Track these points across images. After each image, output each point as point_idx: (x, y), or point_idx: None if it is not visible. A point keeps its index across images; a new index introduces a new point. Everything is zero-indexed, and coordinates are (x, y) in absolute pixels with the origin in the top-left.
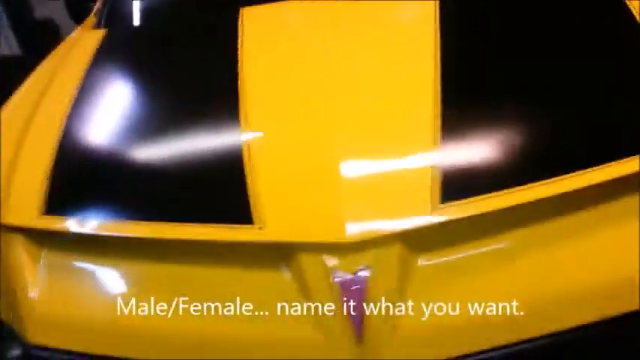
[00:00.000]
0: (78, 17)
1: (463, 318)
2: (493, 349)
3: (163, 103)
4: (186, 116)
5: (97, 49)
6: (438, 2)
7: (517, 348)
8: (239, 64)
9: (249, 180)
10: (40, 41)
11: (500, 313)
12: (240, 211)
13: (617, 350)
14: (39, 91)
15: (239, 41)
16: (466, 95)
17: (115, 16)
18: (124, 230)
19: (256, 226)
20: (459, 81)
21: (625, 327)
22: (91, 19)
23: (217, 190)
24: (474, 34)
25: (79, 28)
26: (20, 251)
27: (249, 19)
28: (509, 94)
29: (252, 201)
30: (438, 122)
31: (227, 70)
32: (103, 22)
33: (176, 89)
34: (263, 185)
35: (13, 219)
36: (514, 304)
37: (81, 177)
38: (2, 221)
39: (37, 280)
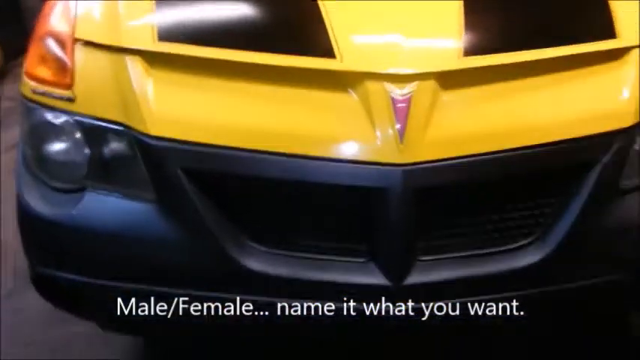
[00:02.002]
0: None
1: (471, 129)
2: (497, 152)
3: None
4: None
5: None
6: None
7: (524, 151)
8: None
9: (328, 26)
10: None
11: (504, 125)
12: (324, 47)
13: None
14: None
15: None
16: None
17: None
18: (225, 55)
19: (338, 59)
20: None
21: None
22: None
23: (306, 32)
24: None
25: None
26: (139, 68)
27: None
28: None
29: (332, 41)
30: (462, 8)
31: None
32: None
33: None
34: (339, 30)
35: (135, 43)
36: (519, 119)
37: (183, 13)
38: (124, 45)
39: (152, 89)
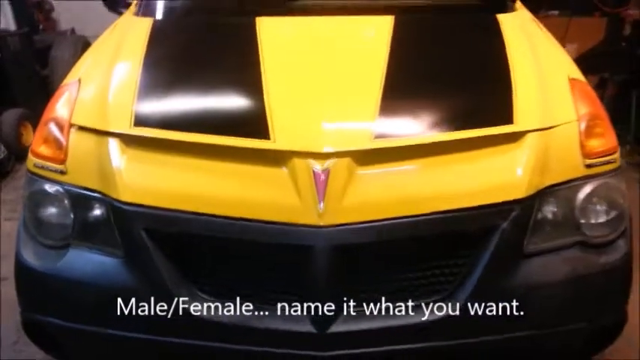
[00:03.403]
0: (112, 5)
1: (382, 197)
2: (405, 217)
3: (207, 63)
4: (223, 73)
5: (152, 24)
6: (393, 21)
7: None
8: (258, 46)
9: (268, 114)
10: (33, 19)
11: (411, 195)
12: (262, 131)
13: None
14: (112, 48)
15: (257, 34)
16: (401, 82)
17: (151, 8)
18: (182, 137)
19: (272, 140)
20: (398, 70)
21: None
22: (132, 9)
23: (250, 119)
24: (413, 46)
25: (126, 13)
26: (116, 147)
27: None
28: (426, 86)
29: (270, 126)
30: (380, 99)
31: (250, 46)
32: (141, 12)
33: (214, 54)
34: (277, 117)
35: (115, 128)
36: (425, 190)
37: (155, 105)
38: (108, 129)
39: (125, 164)
